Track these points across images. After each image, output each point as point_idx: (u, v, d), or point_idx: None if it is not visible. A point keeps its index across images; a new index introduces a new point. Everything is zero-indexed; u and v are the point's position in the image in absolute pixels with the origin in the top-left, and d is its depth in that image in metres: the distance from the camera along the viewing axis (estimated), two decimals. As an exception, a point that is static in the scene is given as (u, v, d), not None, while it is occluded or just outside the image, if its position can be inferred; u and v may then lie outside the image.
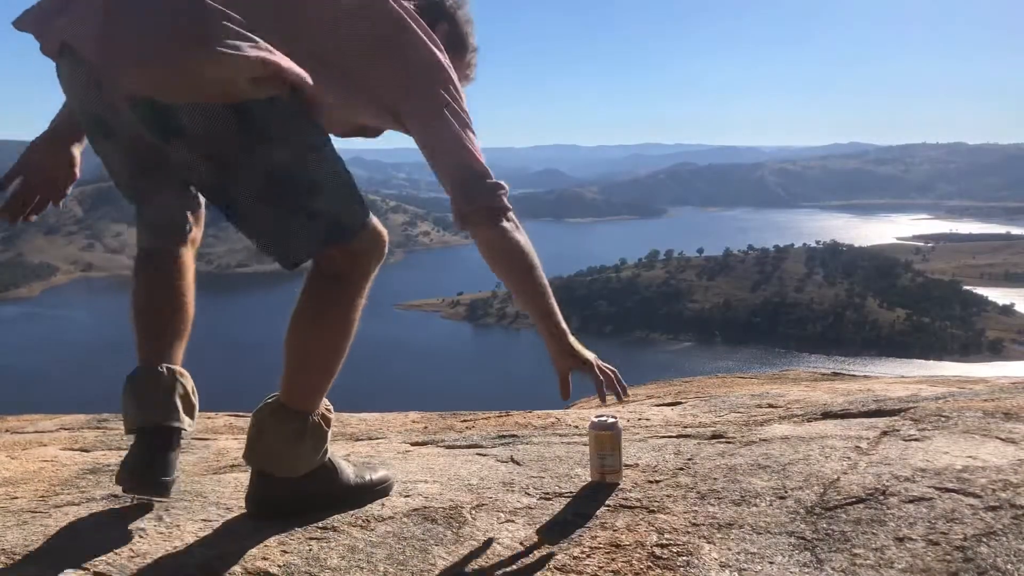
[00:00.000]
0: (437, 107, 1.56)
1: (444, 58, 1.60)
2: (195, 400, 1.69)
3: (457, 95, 1.59)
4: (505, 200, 1.59)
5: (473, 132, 1.59)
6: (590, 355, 1.64)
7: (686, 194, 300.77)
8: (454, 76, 1.61)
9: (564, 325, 1.62)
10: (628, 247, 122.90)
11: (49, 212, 1.80)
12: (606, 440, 1.70)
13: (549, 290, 1.62)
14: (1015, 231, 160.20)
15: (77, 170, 1.73)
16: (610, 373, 1.64)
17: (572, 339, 1.62)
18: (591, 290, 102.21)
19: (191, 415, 1.67)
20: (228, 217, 1.50)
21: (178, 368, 1.67)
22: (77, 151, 1.74)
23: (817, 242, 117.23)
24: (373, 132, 1.75)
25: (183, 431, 1.64)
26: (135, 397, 1.61)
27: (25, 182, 1.69)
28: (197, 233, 1.80)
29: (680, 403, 2.70)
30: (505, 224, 1.58)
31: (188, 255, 1.76)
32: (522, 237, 1.60)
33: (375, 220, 1.58)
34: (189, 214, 1.75)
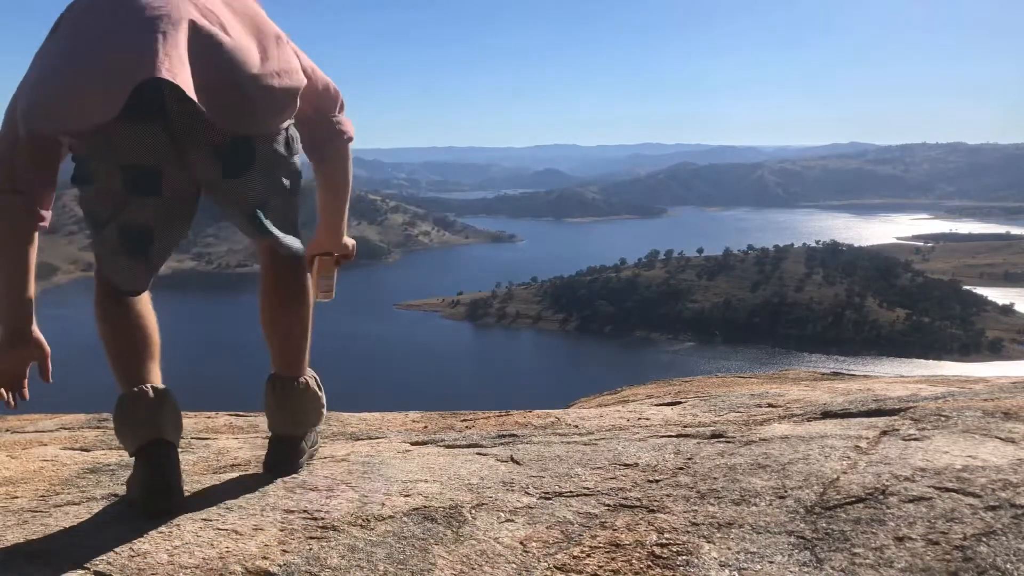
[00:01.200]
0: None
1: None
2: (179, 417, 1.76)
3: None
4: None
5: None
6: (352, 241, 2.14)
7: (686, 194, 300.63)
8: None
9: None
10: (628, 247, 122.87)
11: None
12: (328, 263, 2.06)
13: None
14: (1015, 231, 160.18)
15: (45, 346, 1.76)
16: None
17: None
18: (591, 290, 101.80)
19: (177, 430, 1.74)
20: (258, 228, 1.70)
21: (160, 386, 1.75)
22: (36, 332, 1.74)
23: (817, 242, 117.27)
24: None
25: (174, 444, 1.71)
26: (127, 421, 1.68)
27: (10, 379, 1.72)
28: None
29: (680, 403, 2.70)
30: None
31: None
32: None
33: None
34: None
